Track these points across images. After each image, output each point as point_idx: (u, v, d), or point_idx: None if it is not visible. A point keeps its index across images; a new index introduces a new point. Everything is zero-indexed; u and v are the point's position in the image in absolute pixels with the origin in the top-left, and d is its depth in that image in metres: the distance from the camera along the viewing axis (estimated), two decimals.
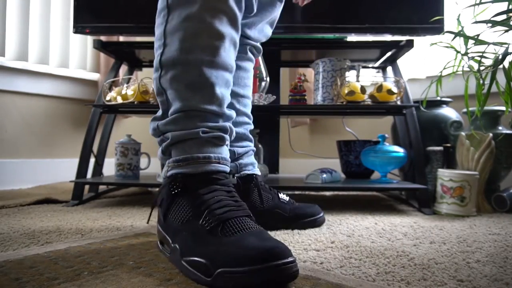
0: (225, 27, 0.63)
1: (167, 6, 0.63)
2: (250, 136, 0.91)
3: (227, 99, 0.66)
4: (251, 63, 0.93)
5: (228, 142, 0.66)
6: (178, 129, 0.62)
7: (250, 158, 0.90)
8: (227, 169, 0.63)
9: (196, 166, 0.59)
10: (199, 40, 0.61)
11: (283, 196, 0.92)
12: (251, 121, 0.93)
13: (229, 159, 0.64)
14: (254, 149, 0.93)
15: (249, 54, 0.91)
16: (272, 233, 0.82)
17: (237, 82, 0.88)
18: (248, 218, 0.55)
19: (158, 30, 0.65)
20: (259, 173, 0.92)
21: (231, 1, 0.63)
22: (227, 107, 0.67)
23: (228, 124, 0.66)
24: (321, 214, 0.93)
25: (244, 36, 0.87)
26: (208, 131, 0.62)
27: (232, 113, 0.69)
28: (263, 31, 0.90)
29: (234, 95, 0.86)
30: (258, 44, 0.92)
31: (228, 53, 0.64)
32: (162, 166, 0.67)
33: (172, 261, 0.57)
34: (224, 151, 0.64)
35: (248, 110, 0.91)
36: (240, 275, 0.44)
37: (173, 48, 0.62)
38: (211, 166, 0.60)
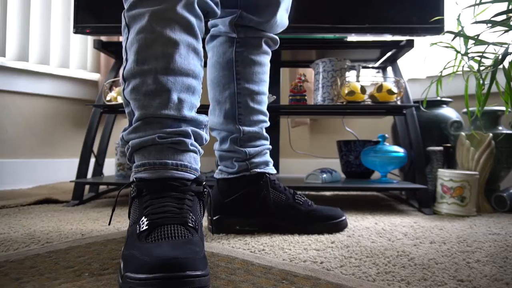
0: (178, 35, 0.63)
1: (126, 24, 0.65)
2: (265, 134, 0.88)
3: (189, 103, 0.65)
4: (267, 55, 0.90)
5: (194, 148, 0.64)
6: (139, 136, 0.63)
7: (264, 157, 0.87)
8: (187, 176, 0.61)
9: (152, 171, 0.60)
10: (152, 50, 0.62)
11: (299, 197, 0.87)
12: (267, 119, 0.89)
13: (194, 166, 0.63)
14: (270, 147, 0.90)
15: (264, 47, 0.88)
16: (272, 233, 0.82)
17: (251, 78, 0.85)
18: (182, 227, 0.54)
19: (122, 47, 0.67)
20: (273, 171, 0.88)
21: (179, 9, 0.63)
22: (192, 110, 0.66)
23: (190, 128, 0.64)
24: (343, 218, 0.87)
25: (258, 29, 0.85)
26: (166, 137, 0.61)
27: (202, 117, 0.67)
28: (279, 20, 0.87)
29: (248, 92, 0.84)
30: (275, 36, 0.89)
31: (186, 59, 0.64)
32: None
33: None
34: (187, 157, 0.63)
35: (264, 107, 0.89)
36: (137, 282, 0.44)
37: (130, 60, 0.63)
38: (167, 172, 0.59)
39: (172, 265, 0.43)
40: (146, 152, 0.61)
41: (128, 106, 0.65)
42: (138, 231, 0.53)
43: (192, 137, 0.64)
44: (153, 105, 0.62)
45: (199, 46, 0.67)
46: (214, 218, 0.83)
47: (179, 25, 0.63)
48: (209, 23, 0.88)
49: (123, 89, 0.65)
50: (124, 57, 0.66)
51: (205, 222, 0.85)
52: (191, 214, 0.56)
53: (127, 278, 0.45)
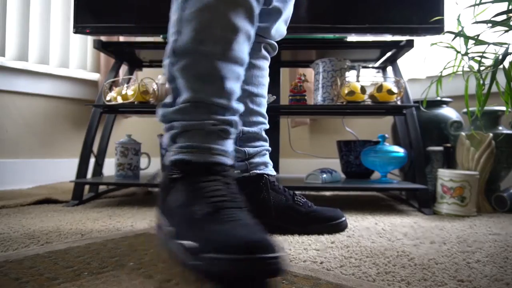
0: (240, 20, 0.62)
1: None
2: (265, 136, 0.89)
3: (237, 93, 0.66)
4: (266, 61, 0.91)
5: (233, 136, 0.66)
6: (186, 119, 0.62)
7: (263, 158, 0.88)
8: (229, 162, 0.63)
9: (198, 154, 0.60)
10: (212, 32, 0.61)
11: (299, 198, 0.87)
12: (266, 121, 0.90)
13: (233, 153, 0.65)
14: (269, 148, 0.90)
15: (264, 52, 0.89)
16: (272, 234, 0.82)
17: (251, 81, 0.86)
18: (241, 210, 0.56)
19: (174, 16, 0.64)
20: (272, 173, 0.88)
21: None
22: (236, 100, 0.67)
23: (234, 118, 0.65)
24: (343, 219, 0.87)
25: (258, 34, 0.85)
26: (215, 123, 0.62)
27: (240, 107, 0.68)
28: (278, 29, 0.88)
29: (248, 94, 0.85)
30: (274, 42, 0.90)
31: (242, 47, 0.64)
32: (165, 152, 0.67)
33: (163, 242, 0.58)
34: (228, 145, 0.64)
35: (263, 109, 0.89)
36: (224, 262, 0.44)
37: (186, 37, 0.61)
38: (212, 157, 0.60)
39: (262, 247, 0.44)
40: (191, 136, 0.61)
41: (173, 82, 0.64)
42: (202, 213, 0.53)
43: (234, 126, 0.66)
44: (205, 90, 0.61)
45: (253, 33, 0.67)
46: None
47: (244, 10, 0.62)
48: None
49: (171, 63, 0.63)
50: (175, 29, 0.63)
51: None
52: (240, 198, 0.59)
53: (211, 259, 0.46)
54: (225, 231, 0.49)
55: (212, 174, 0.59)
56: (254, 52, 0.86)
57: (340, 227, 0.86)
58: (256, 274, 0.44)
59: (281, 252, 0.45)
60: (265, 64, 0.90)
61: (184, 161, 0.60)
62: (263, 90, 0.90)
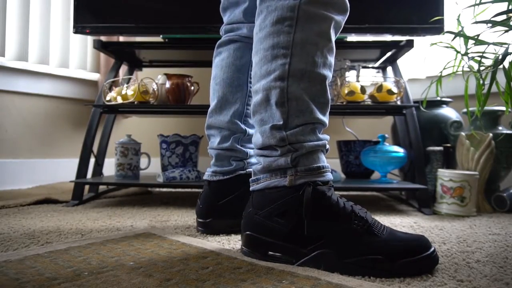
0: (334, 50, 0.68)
1: (296, 17, 0.63)
2: None
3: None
4: None
5: None
6: (308, 140, 0.64)
7: None
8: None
9: (324, 175, 0.64)
10: (326, 57, 0.65)
11: None
12: None
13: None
14: None
15: None
16: None
17: None
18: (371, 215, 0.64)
19: (282, 37, 0.64)
20: None
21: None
22: None
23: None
24: None
25: None
26: (324, 144, 0.66)
27: None
28: None
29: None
30: None
31: None
32: (270, 171, 0.66)
33: (310, 265, 0.59)
34: None
35: None
36: (415, 263, 0.56)
37: (303, 60, 0.63)
38: (329, 174, 0.65)
39: (428, 243, 0.59)
40: (315, 156, 0.64)
41: (286, 104, 0.64)
42: (362, 229, 0.59)
43: None
44: (318, 110, 0.65)
45: None
46: (206, 220, 0.83)
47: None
48: (226, 28, 0.87)
49: (287, 86, 0.63)
50: (286, 50, 0.63)
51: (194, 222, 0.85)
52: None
53: (405, 263, 0.56)
54: (395, 238, 0.59)
55: (333, 191, 0.64)
56: None
57: None
58: (434, 265, 0.59)
59: (433, 245, 0.60)
60: None
61: (318, 183, 0.62)
62: None
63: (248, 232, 0.65)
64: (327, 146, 0.67)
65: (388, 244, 0.57)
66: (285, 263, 0.61)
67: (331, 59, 0.66)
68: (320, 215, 0.60)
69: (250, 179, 0.69)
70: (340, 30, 0.69)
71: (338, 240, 0.59)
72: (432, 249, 0.58)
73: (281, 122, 0.64)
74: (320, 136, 0.66)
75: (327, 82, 0.66)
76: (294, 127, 0.64)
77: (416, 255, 0.56)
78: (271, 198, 0.64)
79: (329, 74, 0.66)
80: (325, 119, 0.66)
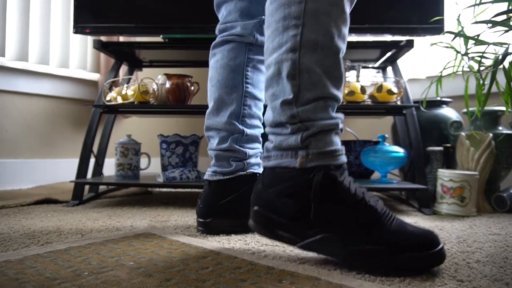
0: (347, 26, 0.64)
1: None
2: (260, 139, 0.91)
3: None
4: None
5: None
6: (319, 118, 0.61)
7: (257, 160, 0.90)
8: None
9: (338, 158, 0.62)
10: (340, 28, 0.61)
11: None
12: (261, 125, 0.92)
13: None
14: (262, 151, 0.92)
15: None
16: None
17: (257, 85, 0.87)
18: (383, 203, 0.61)
19: (294, 7, 0.61)
20: None
21: None
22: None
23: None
24: None
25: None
26: (338, 123, 0.64)
27: None
28: None
29: (253, 97, 0.86)
30: None
31: None
32: (281, 150, 0.64)
33: (311, 248, 0.60)
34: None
35: (261, 113, 0.91)
36: (419, 259, 0.55)
37: (315, 30, 0.60)
38: (342, 158, 0.63)
39: (437, 239, 0.57)
40: (328, 137, 0.62)
41: (297, 77, 0.61)
42: (371, 218, 0.58)
43: None
44: (331, 84, 0.62)
45: None
46: (206, 220, 0.83)
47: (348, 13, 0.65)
48: (220, 28, 0.87)
49: (299, 57, 0.61)
50: (298, 21, 0.60)
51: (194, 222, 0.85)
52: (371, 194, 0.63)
53: (410, 257, 0.55)
54: (403, 231, 0.57)
55: (346, 176, 0.62)
56: (262, 58, 0.87)
57: None
58: (440, 262, 0.57)
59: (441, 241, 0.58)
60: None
61: (333, 167, 0.61)
62: (263, 95, 0.91)
63: (256, 208, 0.65)
64: (341, 126, 0.64)
65: (394, 235, 0.56)
66: (288, 242, 0.61)
67: (345, 31, 0.63)
68: (328, 200, 0.59)
69: (262, 155, 0.68)
70: (355, 2, 0.66)
71: (344, 227, 0.58)
72: (440, 246, 0.56)
73: (291, 96, 0.61)
74: (333, 114, 0.63)
75: (341, 55, 0.62)
76: (306, 102, 0.61)
77: (422, 251, 0.55)
78: (281, 178, 0.63)
79: (343, 46, 0.63)
80: (339, 94, 0.63)
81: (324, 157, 0.61)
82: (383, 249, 0.55)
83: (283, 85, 0.63)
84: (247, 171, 0.85)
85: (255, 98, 0.87)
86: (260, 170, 0.89)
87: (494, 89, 0.83)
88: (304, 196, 0.60)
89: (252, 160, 0.87)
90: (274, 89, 0.64)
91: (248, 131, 0.85)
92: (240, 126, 0.85)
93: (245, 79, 0.85)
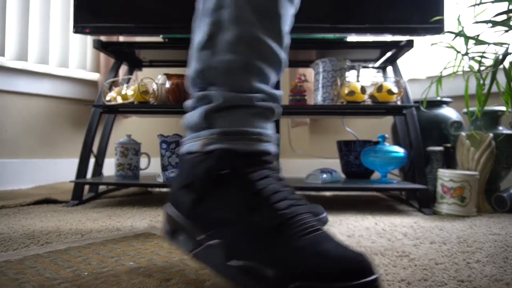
0: None
1: None
2: None
3: (287, 45, 0.51)
4: None
5: (274, 119, 0.53)
6: (231, 86, 0.47)
7: None
8: (275, 150, 0.50)
9: (248, 143, 0.47)
10: None
11: None
12: None
13: (276, 137, 0.52)
14: None
15: None
16: None
17: None
18: (312, 216, 0.44)
19: None
20: None
21: None
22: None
23: (280, 93, 0.52)
24: (324, 214, 0.90)
25: None
26: (263, 98, 0.49)
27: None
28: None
29: None
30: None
31: None
32: (188, 129, 0.52)
33: (201, 258, 0.46)
34: (271, 127, 0.51)
35: None
36: None
37: None
38: (262, 145, 0.48)
39: (365, 268, 0.37)
40: (237, 115, 0.48)
41: (218, 10, 0.48)
42: (269, 225, 0.42)
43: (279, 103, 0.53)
44: (260, 26, 0.47)
45: None
46: None
47: None
48: None
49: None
50: None
51: None
52: (299, 196, 0.47)
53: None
54: (310, 249, 0.39)
55: (263, 169, 0.46)
56: None
57: (320, 223, 0.88)
58: None
59: (377, 272, 0.38)
60: None
61: (233, 152, 0.46)
62: None
63: (167, 203, 0.52)
64: (268, 104, 0.49)
65: (294, 254, 0.39)
66: (184, 250, 0.48)
67: None
68: (222, 195, 0.45)
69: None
70: None
71: (235, 232, 0.43)
72: (372, 277, 0.37)
73: (203, 37, 0.48)
74: (257, 85, 0.48)
75: None
76: (224, 49, 0.47)
77: (336, 281, 0.36)
78: (185, 165, 0.50)
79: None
80: (273, 41, 0.48)
81: (230, 139, 0.47)
82: (268, 272, 0.39)
83: (205, 25, 0.49)
84: None
85: None
86: None
87: (494, 89, 0.83)
88: (200, 187, 0.47)
89: None
90: (199, 35, 0.50)
91: None
92: None
93: None
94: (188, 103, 0.52)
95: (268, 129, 0.50)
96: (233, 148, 0.46)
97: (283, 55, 0.50)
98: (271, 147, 0.49)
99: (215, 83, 0.48)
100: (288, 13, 0.50)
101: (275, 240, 0.41)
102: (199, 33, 0.50)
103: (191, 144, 0.50)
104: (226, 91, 0.47)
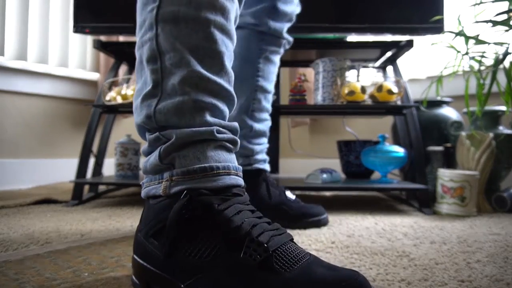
0: None
1: None
2: (268, 132, 0.91)
3: (232, 79, 0.50)
4: (279, 55, 0.93)
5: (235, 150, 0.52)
6: (184, 124, 0.46)
7: (263, 155, 0.89)
8: (243, 183, 0.49)
9: (214, 179, 0.44)
10: None
11: (289, 194, 0.91)
12: (269, 118, 0.92)
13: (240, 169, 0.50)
14: (268, 145, 0.92)
15: (282, 49, 0.91)
16: None
17: (267, 78, 0.86)
18: (292, 242, 0.44)
19: None
20: (268, 169, 0.91)
21: None
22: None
23: (236, 126, 0.51)
24: (325, 215, 0.92)
25: (279, 32, 0.88)
26: (221, 131, 0.47)
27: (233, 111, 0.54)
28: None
29: (263, 90, 0.85)
30: (291, 38, 0.93)
31: (233, 23, 0.50)
32: (147, 172, 0.50)
33: None
34: (234, 159, 0.50)
35: (270, 106, 0.90)
36: None
37: (175, 1, 0.47)
38: (230, 178, 0.46)
39: (364, 284, 0.37)
40: (198, 151, 0.46)
41: (157, 60, 0.47)
42: (256, 261, 0.39)
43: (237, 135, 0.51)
44: (205, 64, 0.46)
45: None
46: None
47: None
48: None
49: (156, 35, 0.48)
50: None
51: None
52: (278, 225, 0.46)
53: None
54: (304, 279, 0.38)
55: (235, 203, 0.44)
56: (274, 49, 0.86)
57: (321, 223, 0.90)
58: None
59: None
60: (278, 60, 0.92)
61: (200, 192, 0.43)
62: (273, 87, 0.91)
63: (133, 255, 0.49)
64: (223, 136, 0.47)
65: (291, 287, 0.38)
66: None
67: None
68: (199, 237, 0.42)
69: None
70: None
71: (219, 277, 0.40)
72: None
73: (149, 87, 0.47)
74: (208, 118, 0.46)
75: (212, 29, 0.47)
76: (171, 91, 0.46)
77: None
78: (150, 211, 0.47)
79: (215, 17, 0.47)
80: (218, 78, 0.47)
81: (193, 178, 0.44)
82: None
83: (145, 74, 0.49)
84: (252, 166, 0.85)
85: (265, 91, 0.86)
86: (265, 165, 0.89)
87: (494, 88, 0.83)
88: (172, 234, 0.43)
89: (259, 157, 0.87)
90: (139, 83, 0.50)
91: (256, 125, 0.85)
92: (249, 121, 0.83)
93: (256, 72, 0.84)
94: (144, 148, 0.50)
95: (233, 161, 0.48)
96: (199, 186, 0.44)
97: (232, 90, 0.50)
98: (239, 180, 0.47)
99: (168, 126, 0.47)
100: (229, 48, 0.50)
101: (265, 276, 0.38)
102: (142, 83, 0.50)
103: (152, 187, 0.48)
104: (178, 128, 0.46)
